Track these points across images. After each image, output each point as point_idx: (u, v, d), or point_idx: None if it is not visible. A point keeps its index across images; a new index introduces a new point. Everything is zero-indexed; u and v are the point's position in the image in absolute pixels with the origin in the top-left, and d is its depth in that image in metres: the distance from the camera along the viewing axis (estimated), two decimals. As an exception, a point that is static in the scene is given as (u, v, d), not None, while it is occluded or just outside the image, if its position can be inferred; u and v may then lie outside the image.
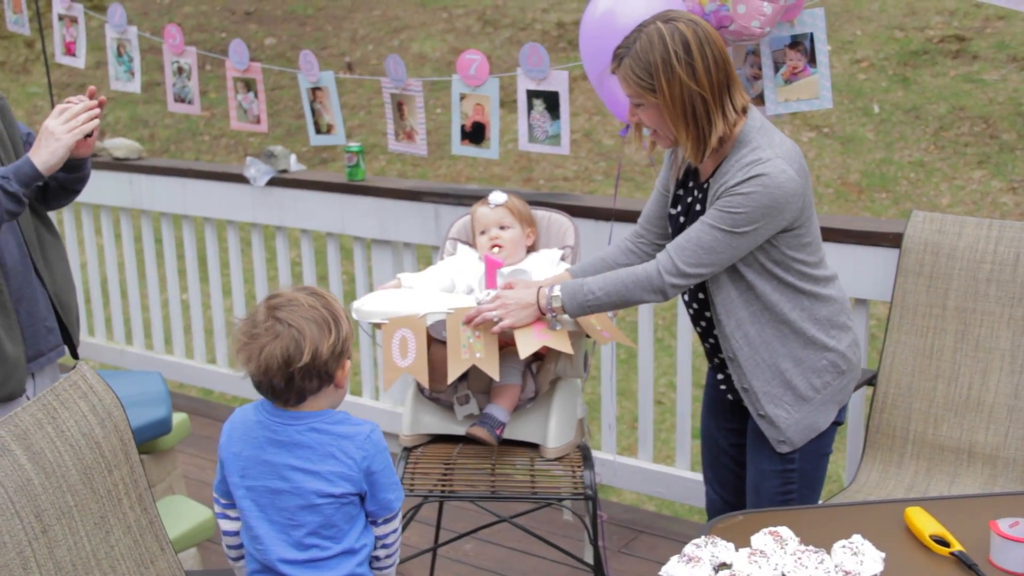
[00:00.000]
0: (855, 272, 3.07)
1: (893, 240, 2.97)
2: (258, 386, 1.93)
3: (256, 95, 4.24)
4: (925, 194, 7.51)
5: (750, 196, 2.22)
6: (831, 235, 3.06)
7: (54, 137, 2.41)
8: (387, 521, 2.02)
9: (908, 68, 8.68)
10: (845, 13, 9.38)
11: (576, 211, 3.46)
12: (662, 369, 5.43)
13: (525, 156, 8.73)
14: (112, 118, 10.27)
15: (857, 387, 2.94)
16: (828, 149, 8.07)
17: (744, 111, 2.29)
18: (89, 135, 2.49)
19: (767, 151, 2.25)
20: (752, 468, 2.51)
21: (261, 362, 1.87)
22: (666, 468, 3.68)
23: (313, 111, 4.14)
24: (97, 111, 2.48)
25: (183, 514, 3.13)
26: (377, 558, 2.05)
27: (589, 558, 3.01)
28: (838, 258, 3.06)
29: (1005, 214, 7.07)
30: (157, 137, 9.96)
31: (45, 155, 2.41)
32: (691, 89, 2.21)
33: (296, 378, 1.88)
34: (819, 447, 2.45)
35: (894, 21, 9.24)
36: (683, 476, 3.61)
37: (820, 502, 3.06)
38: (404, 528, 2.74)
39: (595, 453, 3.68)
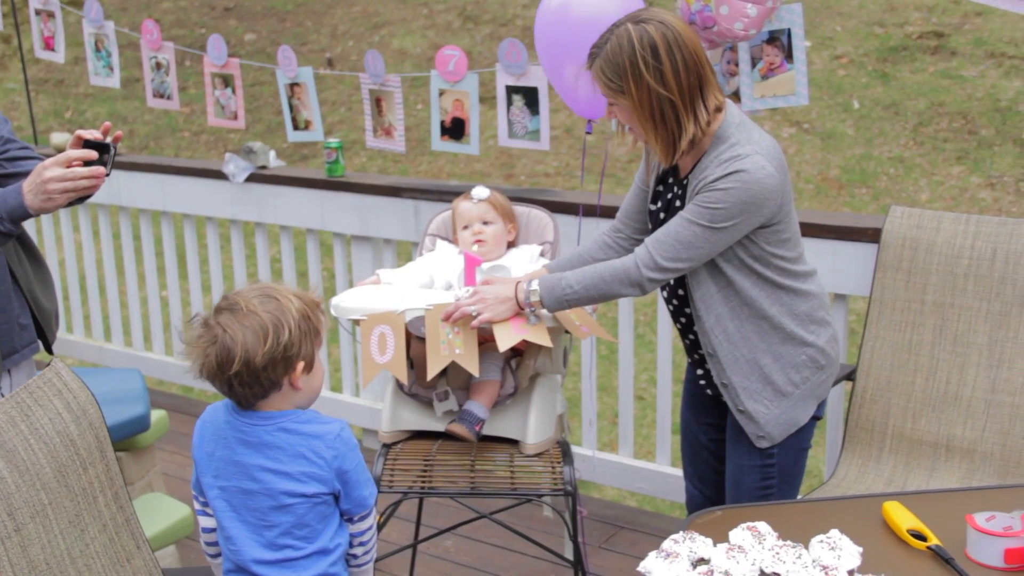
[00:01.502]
0: (835, 267, 3.07)
1: (872, 235, 2.97)
2: (218, 386, 1.92)
3: (234, 91, 4.22)
4: (904, 189, 7.54)
5: (729, 191, 2.21)
6: (811, 230, 3.07)
7: (47, 194, 2.30)
8: (363, 518, 2.00)
9: (887, 64, 8.72)
10: (825, 9, 9.41)
11: (556, 207, 3.45)
12: (643, 365, 5.44)
13: (506, 152, 8.72)
14: (91, 114, 10.20)
15: (836, 382, 2.94)
16: (808, 145, 8.09)
17: (718, 110, 2.29)
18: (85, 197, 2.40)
19: (746, 147, 2.24)
20: (731, 463, 2.51)
21: (203, 366, 1.86)
22: (646, 464, 3.68)
23: (291, 107, 4.12)
24: (98, 181, 2.34)
25: (161, 511, 3.11)
26: (354, 556, 2.04)
27: (569, 554, 3.01)
28: (818, 253, 3.06)
29: (983, 209, 7.11)
30: (136, 133, 9.90)
31: (38, 203, 2.32)
32: (659, 93, 2.20)
33: (235, 384, 1.86)
34: (798, 442, 2.45)
35: (874, 17, 9.28)
36: (663, 472, 3.62)
37: (800, 497, 3.08)
38: (383, 525, 2.74)
39: (576, 449, 3.69)
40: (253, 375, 1.84)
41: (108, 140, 2.36)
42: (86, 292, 5.10)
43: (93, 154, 2.32)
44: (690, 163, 2.35)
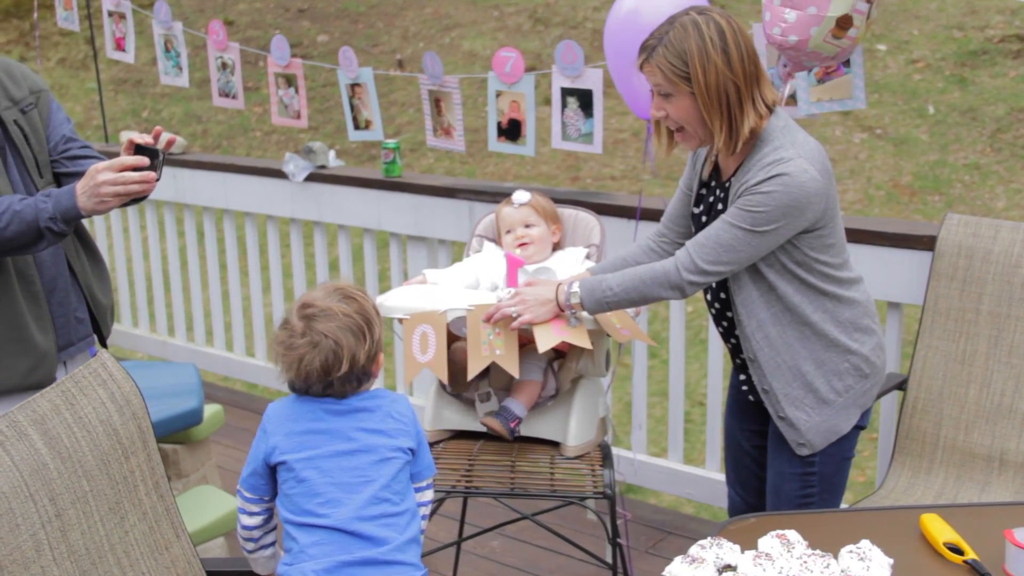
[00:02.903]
0: (888, 275, 3.03)
1: (927, 243, 2.93)
2: (294, 389, 2.04)
3: (297, 90, 4.30)
4: (980, 197, 7.38)
5: (771, 195, 2.20)
6: (864, 237, 3.04)
7: (99, 197, 2.38)
8: (428, 487, 2.12)
9: (966, 68, 8.53)
10: (902, 12, 9.25)
11: (606, 210, 3.46)
12: (704, 370, 5.40)
13: (573, 155, 8.72)
14: (167, 114, 10.44)
15: (887, 391, 2.91)
16: (880, 151, 7.96)
17: (771, 108, 2.28)
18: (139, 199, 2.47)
19: (789, 150, 2.23)
20: (772, 470, 2.49)
21: (301, 371, 1.99)
22: (695, 469, 3.66)
23: (352, 107, 4.19)
24: (148, 186, 2.41)
25: (212, 503, 3.19)
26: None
27: (609, 557, 3.01)
28: (871, 261, 3.03)
29: (1062, 219, 6.93)
30: (210, 133, 10.10)
31: (90, 205, 2.41)
32: (726, 76, 2.21)
33: (336, 384, 2.00)
34: (840, 451, 2.43)
35: (953, 21, 9.09)
36: (712, 478, 3.60)
37: (845, 506, 3.04)
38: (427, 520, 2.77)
39: (623, 452, 3.68)
40: (355, 373, 2.00)
41: (159, 146, 2.44)
42: (151, 287, 5.23)
43: (144, 160, 2.39)
44: (733, 166, 2.34)
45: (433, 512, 2.77)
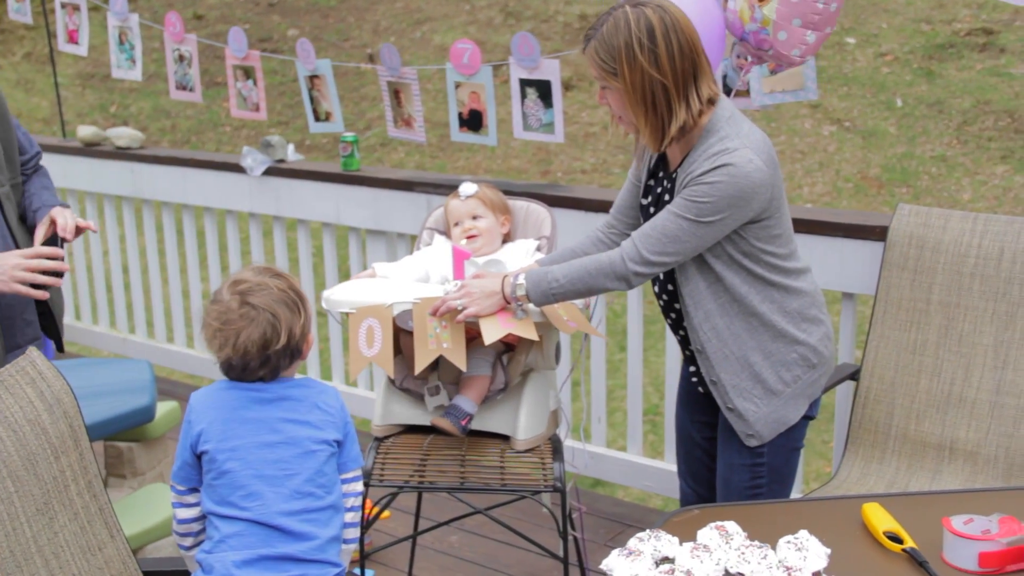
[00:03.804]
0: (842, 266, 3.03)
1: (879, 233, 2.92)
2: (230, 369, 2.00)
3: (255, 83, 4.26)
4: (946, 189, 7.41)
5: (716, 185, 2.18)
6: (818, 228, 3.03)
7: (6, 276, 2.46)
8: (355, 479, 2.08)
9: (933, 61, 8.56)
10: (871, 6, 9.27)
11: (562, 202, 3.44)
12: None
13: (543, 149, 8.71)
14: (135, 109, 10.35)
15: (840, 381, 2.90)
16: (849, 143, 7.98)
17: (711, 102, 2.26)
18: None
19: (735, 141, 2.21)
20: (722, 461, 2.48)
21: (239, 346, 1.96)
22: (654, 462, 3.65)
23: (312, 99, 4.15)
24: (59, 279, 2.53)
25: (164, 501, 3.14)
26: (345, 525, 2.06)
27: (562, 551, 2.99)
28: (825, 251, 3.02)
29: (1027, 209, 6.96)
30: (178, 128, 10.02)
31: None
32: (652, 76, 2.18)
33: (273, 359, 1.98)
34: (789, 441, 2.41)
35: (921, 14, 9.12)
36: (672, 470, 3.58)
37: (800, 496, 3.03)
38: (375, 519, 2.75)
39: (584, 446, 3.66)
40: (291, 347, 1.99)
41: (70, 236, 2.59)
42: (111, 284, 5.17)
43: (59, 252, 2.54)
44: (679, 156, 2.32)
45: (386, 506, 2.76)
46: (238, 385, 2.00)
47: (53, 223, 2.60)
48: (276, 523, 1.93)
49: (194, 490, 2.04)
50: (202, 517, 2.06)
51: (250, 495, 1.94)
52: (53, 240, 2.59)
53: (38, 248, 2.53)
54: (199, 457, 1.98)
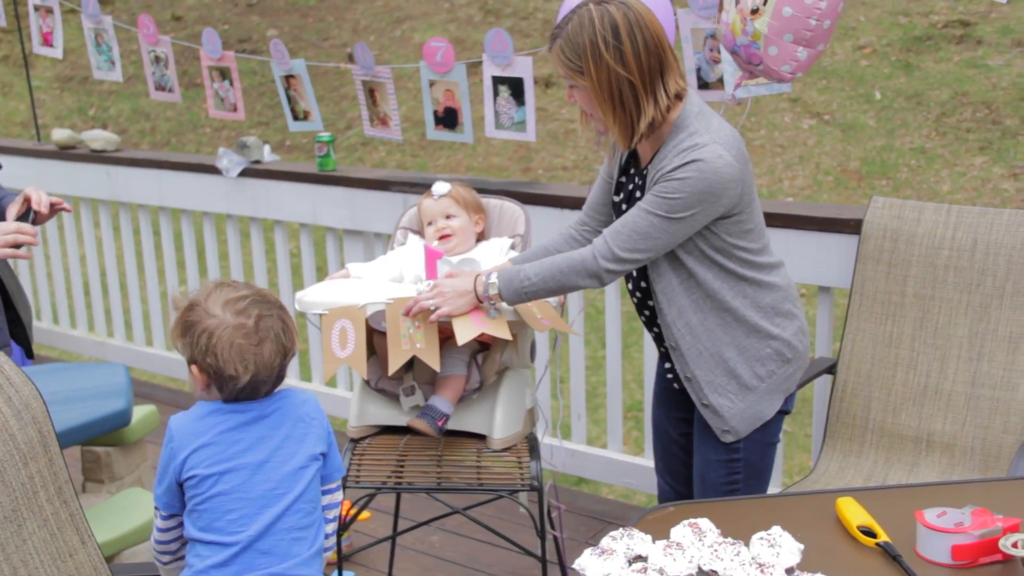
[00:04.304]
0: (818, 259, 3.02)
1: (854, 227, 2.92)
2: (241, 391, 1.92)
3: (232, 83, 4.23)
4: (926, 181, 7.42)
5: (686, 181, 2.18)
6: (793, 222, 3.03)
7: None
8: (337, 489, 2.05)
9: (911, 54, 8.58)
10: (849, -1, 9.29)
11: (540, 200, 3.43)
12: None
13: (524, 146, 8.69)
14: (114, 111, 10.30)
15: (817, 375, 2.90)
16: (828, 136, 7.99)
17: (679, 97, 2.26)
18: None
19: (704, 136, 2.21)
20: (698, 457, 2.47)
21: (265, 363, 1.90)
22: (634, 459, 3.65)
23: (289, 98, 4.13)
24: (24, 251, 2.50)
25: (142, 506, 3.13)
26: (326, 535, 2.04)
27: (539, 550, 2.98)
28: (801, 245, 3.02)
29: (1006, 200, 6.98)
30: (158, 130, 9.97)
31: None
32: (618, 74, 2.17)
33: (284, 369, 1.96)
34: (764, 436, 2.41)
35: (898, 6, 9.13)
36: (651, 467, 3.57)
37: (778, 491, 3.03)
38: (351, 521, 2.73)
39: (562, 443, 3.66)
40: (294, 352, 1.97)
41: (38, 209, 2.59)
42: (88, 288, 5.14)
43: (33, 228, 2.53)
44: (650, 153, 2.31)
45: (364, 507, 2.75)
46: (221, 408, 1.94)
47: (27, 200, 2.56)
48: (263, 546, 1.89)
49: (175, 516, 1.98)
50: (181, 537, 2.01)
51: (239, 519, 1.89)
52: (26, 216, 2.56)
53: (10, 224, 2.48)
54: (182, 484, 1.92)
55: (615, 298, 3.53)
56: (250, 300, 1.92)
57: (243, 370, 1.89)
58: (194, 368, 1.93)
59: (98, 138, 4.65)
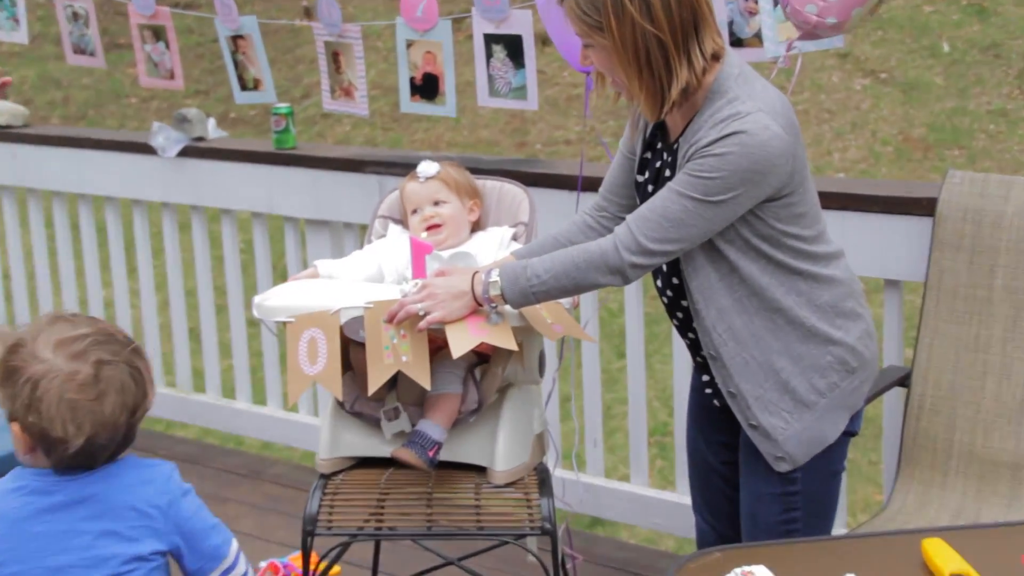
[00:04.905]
0: (883, 248, 3.05)
1: (927, 207, 2.93)
2: (76, 455, 1.85)
3: (167, 46, 4.23)
4: (1008, 150, 7.46)
5: (726, 158, 2.18)
6: (852, 203, 3.05)
7: None
8: (227, 571, 1.97)
9: (986, -3, 8.63)
10: (908, -68, 9.33)
11: (544, 180, 3.44)
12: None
13: (518, 117, 8.72)
14: (16, 77, 10.27)
15: (887, 388, 2.92)
16: (886, 98, 8.02)
17: (716, 58, 2.27)
18: None
19: (747, 103, 2.21)
20: (746, 491, 2.48)
21: (107, 421, 1.86)
22: (664, 494, 3.65)
23: (237, 64, 4.13)
24: None
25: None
26: None
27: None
28: (861, 231, 3.04)
29: (1105, 172, 7.03)
30: (72, 100, 9.98)
31: None
32: (645, 30, 2.18)
33: (135, 426, 1.93)
34: (827, 464, 2.42)
35: (969, -61, 9.18)
36: (686, 503, 3.58)
37: (844, 531, 3.04)
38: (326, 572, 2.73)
39: (578, 476, 3.66)
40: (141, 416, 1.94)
41: None
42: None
43: None
44: (681, 124, 2.32)
45: (336, 560, 2.75)
46: (24, 486, 1.86)
47: None
48: None
49: None
50: None
51: None
52: None
53: None
54: None
55: (636, 296, 3.54)
56: (90, 341, 1.86)
57: (75, 431, 1.82)
58: (15, 426, 1.86)
59: (2, 111, 4.65)
